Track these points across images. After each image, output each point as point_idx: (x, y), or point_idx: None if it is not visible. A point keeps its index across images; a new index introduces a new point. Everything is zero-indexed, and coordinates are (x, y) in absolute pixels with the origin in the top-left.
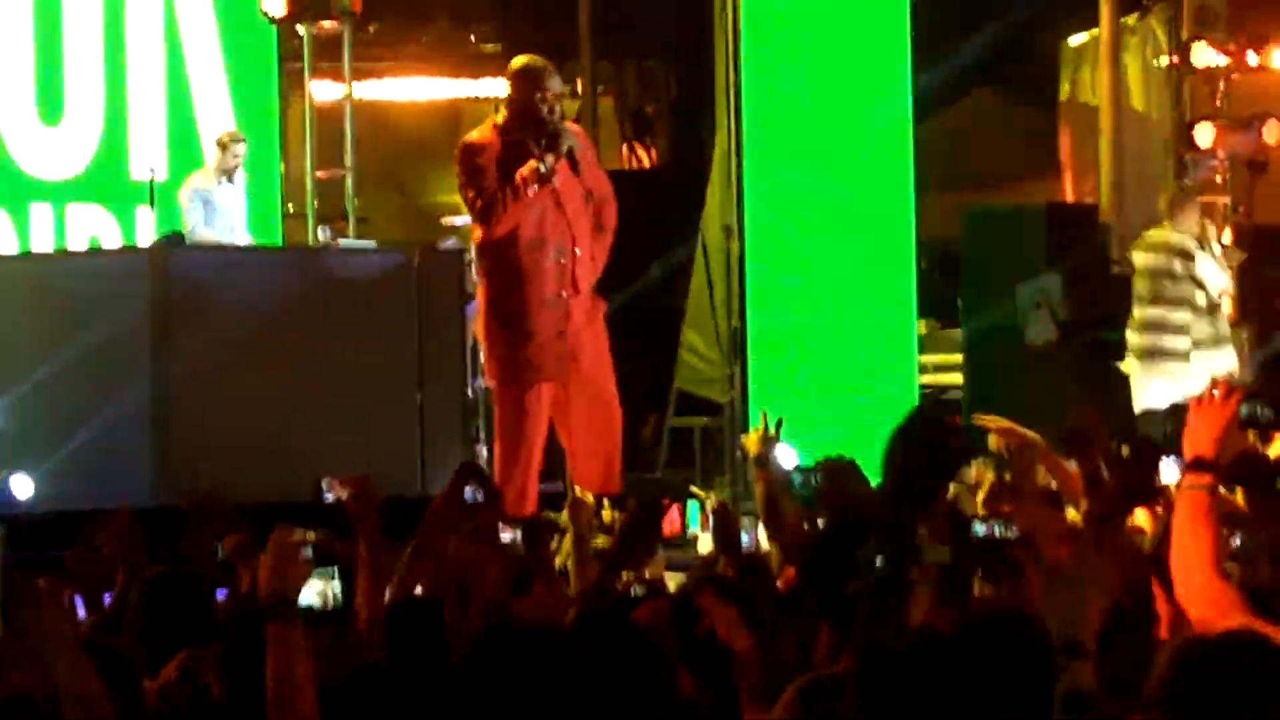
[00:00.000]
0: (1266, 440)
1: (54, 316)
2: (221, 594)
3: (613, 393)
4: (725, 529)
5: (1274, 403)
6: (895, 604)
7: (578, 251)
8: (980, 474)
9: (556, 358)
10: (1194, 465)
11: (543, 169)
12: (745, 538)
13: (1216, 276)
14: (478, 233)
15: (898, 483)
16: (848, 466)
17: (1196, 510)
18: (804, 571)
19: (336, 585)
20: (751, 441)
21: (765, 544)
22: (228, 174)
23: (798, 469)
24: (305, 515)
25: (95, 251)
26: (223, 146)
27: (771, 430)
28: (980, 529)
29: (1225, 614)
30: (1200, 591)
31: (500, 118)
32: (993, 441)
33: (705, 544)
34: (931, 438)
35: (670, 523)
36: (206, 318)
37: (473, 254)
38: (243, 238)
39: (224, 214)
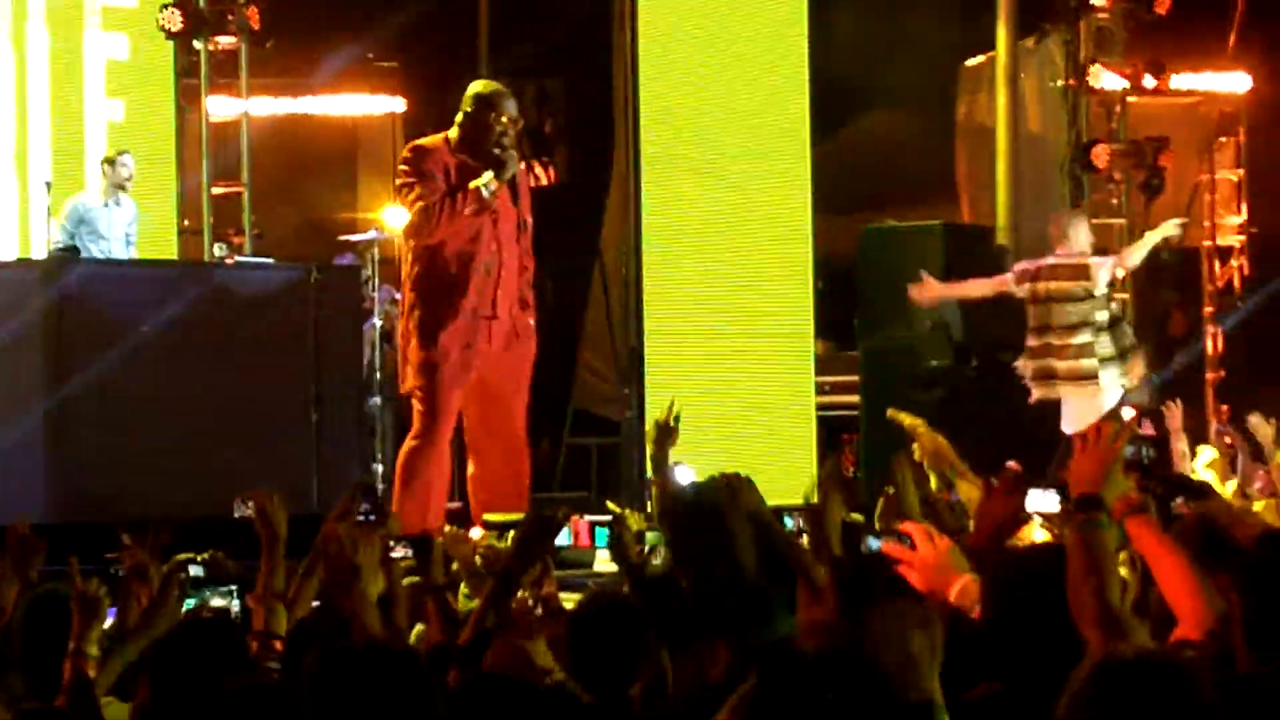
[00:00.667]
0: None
1: None
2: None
3: (522, 425)
4: (620, 545)
5: (1158, 444)
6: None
7: (502, 274)
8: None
9: (461, 369)
10: (1081, 503)
11: (485, 194)
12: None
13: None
14: (410, 239)
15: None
16: (745, 484)
17: (1089, 544)
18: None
19: (236, 603)
20: (650, 433)
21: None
22: (120, 188)
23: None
24: (200, 532)
25: None
26: (110, 163)
27: (671, 421)
28: (874, 543)
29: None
30: (1096, 622)
31: (453, 134)
32: (916, 452)
33: (604, 562)
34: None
35: (578, 538)
36: (102, 332)
37: (402, 257)
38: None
39: (103, 235)
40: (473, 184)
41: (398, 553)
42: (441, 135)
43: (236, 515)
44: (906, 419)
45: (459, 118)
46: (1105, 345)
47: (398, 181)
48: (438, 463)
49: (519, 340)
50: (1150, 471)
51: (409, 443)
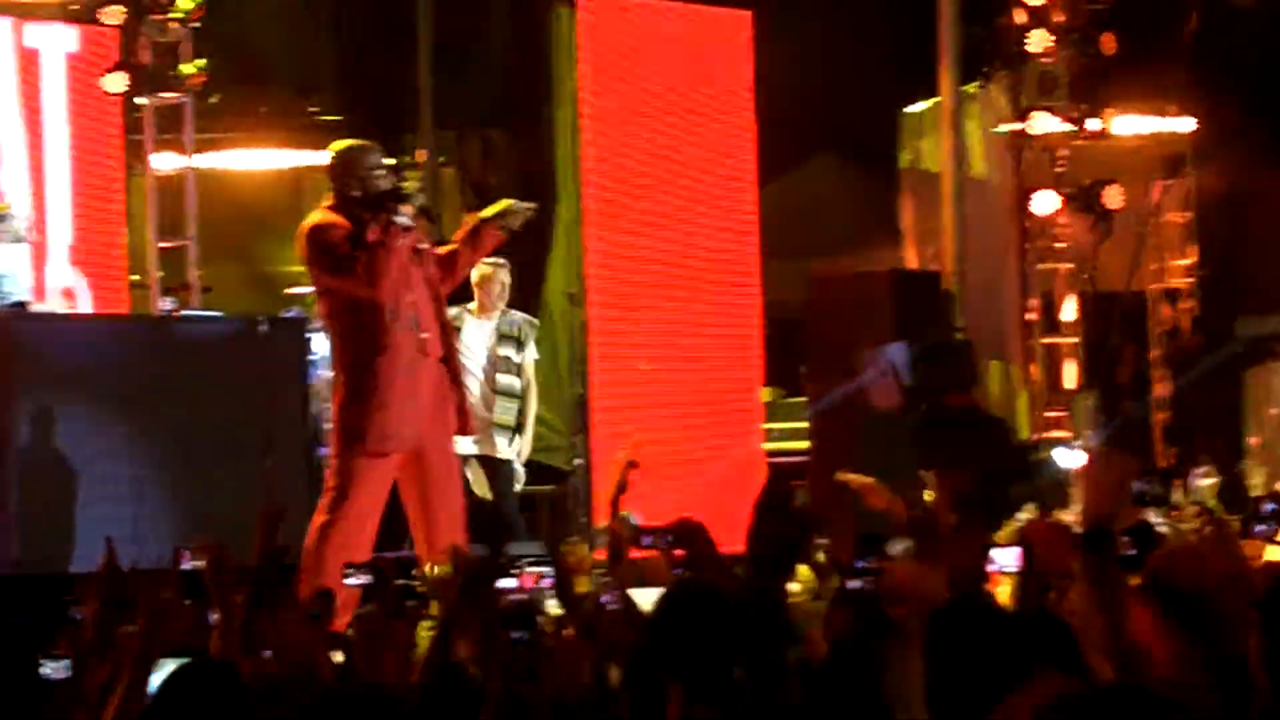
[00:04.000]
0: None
1: None
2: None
3: (457, 463)
4: (564, 584)
5: (1163, 479)
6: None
7: (415, 319)
8: None
9: (411, 425)
10: (1091, 538)
11: (400, 224)
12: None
13: None
14: (322, 306)
15: (762, 554)
16: (697, 528)
17: (1101, 577)
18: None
19: None
20: (612, 479)
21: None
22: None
23: (648, 530)
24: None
25: None
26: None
27: (624, 475)
28: (855, 582)
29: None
30: (1110, 654)
31: (329, 202)
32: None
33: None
34: (787, 509)
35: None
36: (51, 385)
37: (322, 325)
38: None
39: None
40: (378, 221)
41: (354, 580)
42: (321, 208)
43: (187, 567)
44: (854, 479)
45: (329, 187)
46: None
47: (307, 267)
48: (344, 542)
49: (443, 379)
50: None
51: (317, 517)
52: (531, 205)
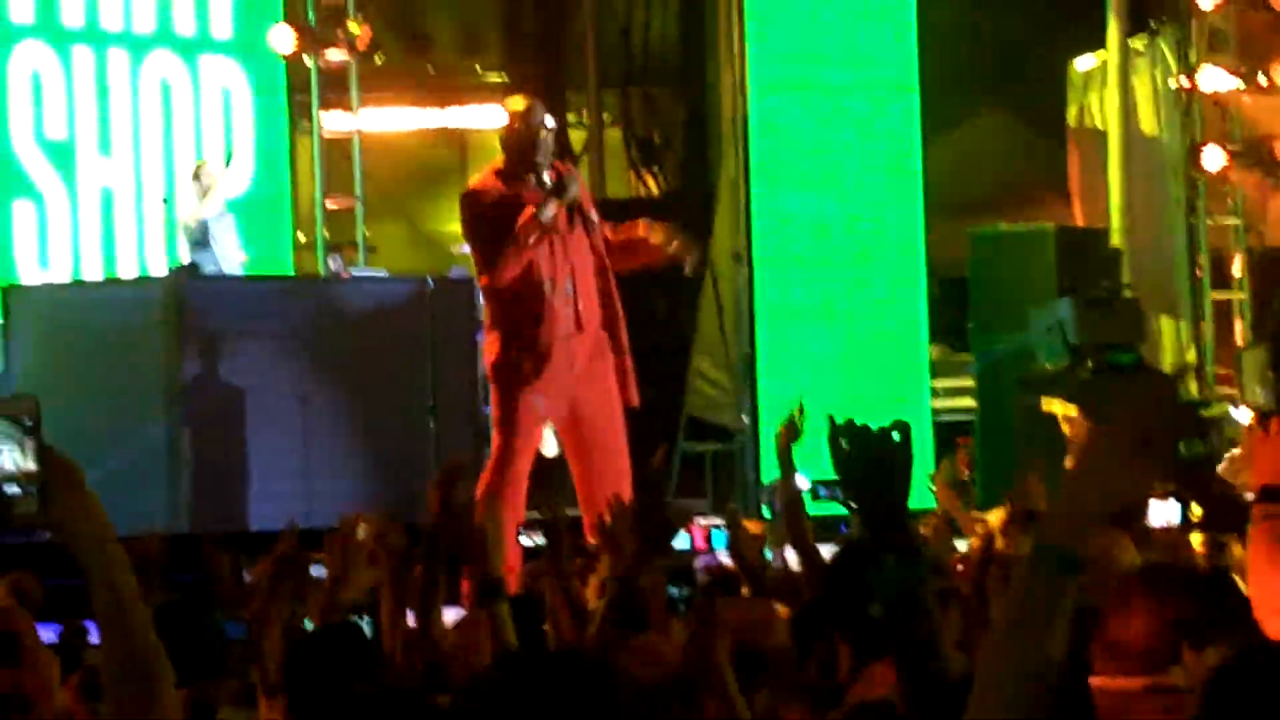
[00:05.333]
0: None
1: (71, 346)
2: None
3: (619, 440)
4: (739, 548)
5: None
6: (924, 626)
7: (579, 289)
8: None
9: (563, 393)
10: (1263, 495)
11: (544, 219)
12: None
13: None
14: (483, 279)
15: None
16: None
17: (1273, 539)
18: (822, 592)
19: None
20: (777, 435)
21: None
22: (204, 195)
23: (821, 482)
24: (320, 544)
25: (111, 281)
26: (195, 175)
27: (798, 421)
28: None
29: None
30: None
31: (499, 160)
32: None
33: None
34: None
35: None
36: (221, 347)
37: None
38: (235, 268)
39: (216, 244)
40: (525, 215)
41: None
42: (490, 168)
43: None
44: (1059, 406)
45: (501, 142)
46: None
47: (462, 230)
48: (511, 498)
49: (600, 349)
50: None
51: (485, 475)
52: (699, 260)
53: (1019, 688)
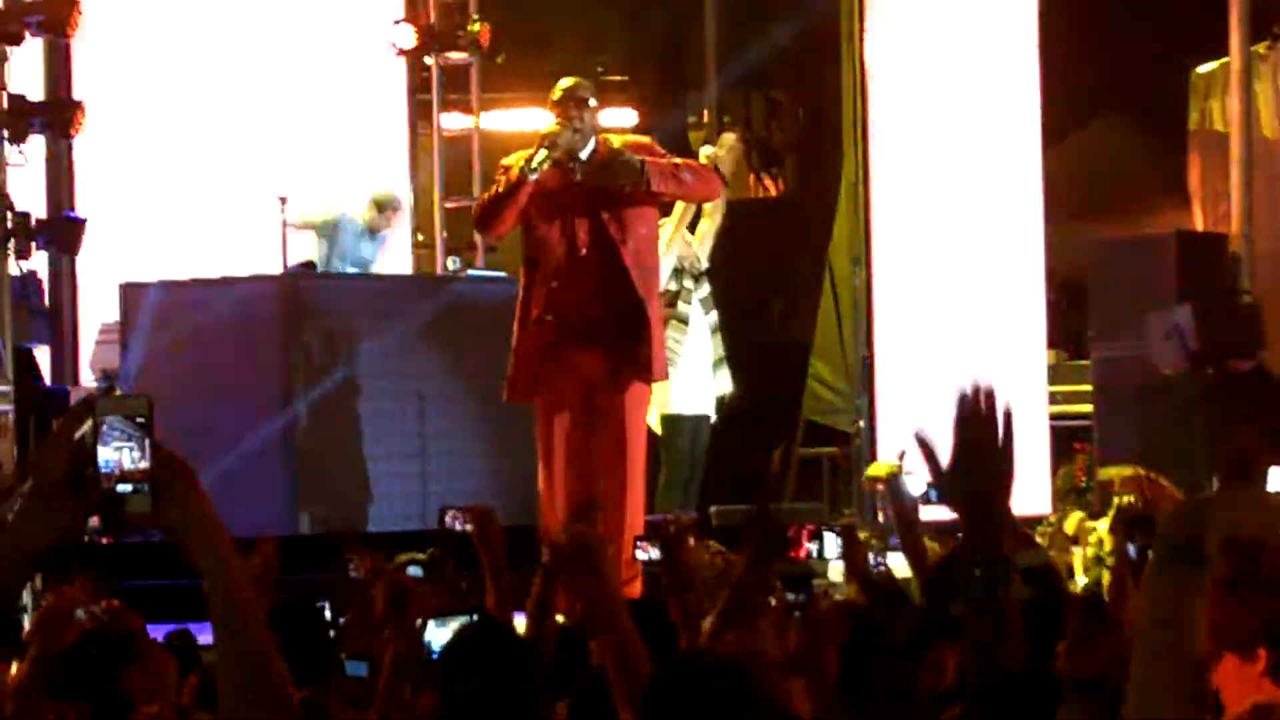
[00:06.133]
0: None
1: (188, 344)
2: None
3: (632, 409)
4: (853, 555)
5: None
6: (995, 628)
7: (580, 279)
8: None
9: (529, 379)
10: None
11: (529, 166)
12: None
13: None
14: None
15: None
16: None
17: None
18: (924, 594)
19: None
20: (880, 470)
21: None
22: (372, 233)
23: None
24: (426, 544)
25: (228, 279)
26: (379, 208)
27: (899, 465)
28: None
29: None
30: None
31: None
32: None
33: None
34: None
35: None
36: (339, 346)
37: None
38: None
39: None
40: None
41: (643, 554)
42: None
43: (456, 528)
44: (1114, 471)
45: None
46: None
47: None
48: (555, 500)
49: (623, 343)
50: None
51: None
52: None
53: (1165, 686)
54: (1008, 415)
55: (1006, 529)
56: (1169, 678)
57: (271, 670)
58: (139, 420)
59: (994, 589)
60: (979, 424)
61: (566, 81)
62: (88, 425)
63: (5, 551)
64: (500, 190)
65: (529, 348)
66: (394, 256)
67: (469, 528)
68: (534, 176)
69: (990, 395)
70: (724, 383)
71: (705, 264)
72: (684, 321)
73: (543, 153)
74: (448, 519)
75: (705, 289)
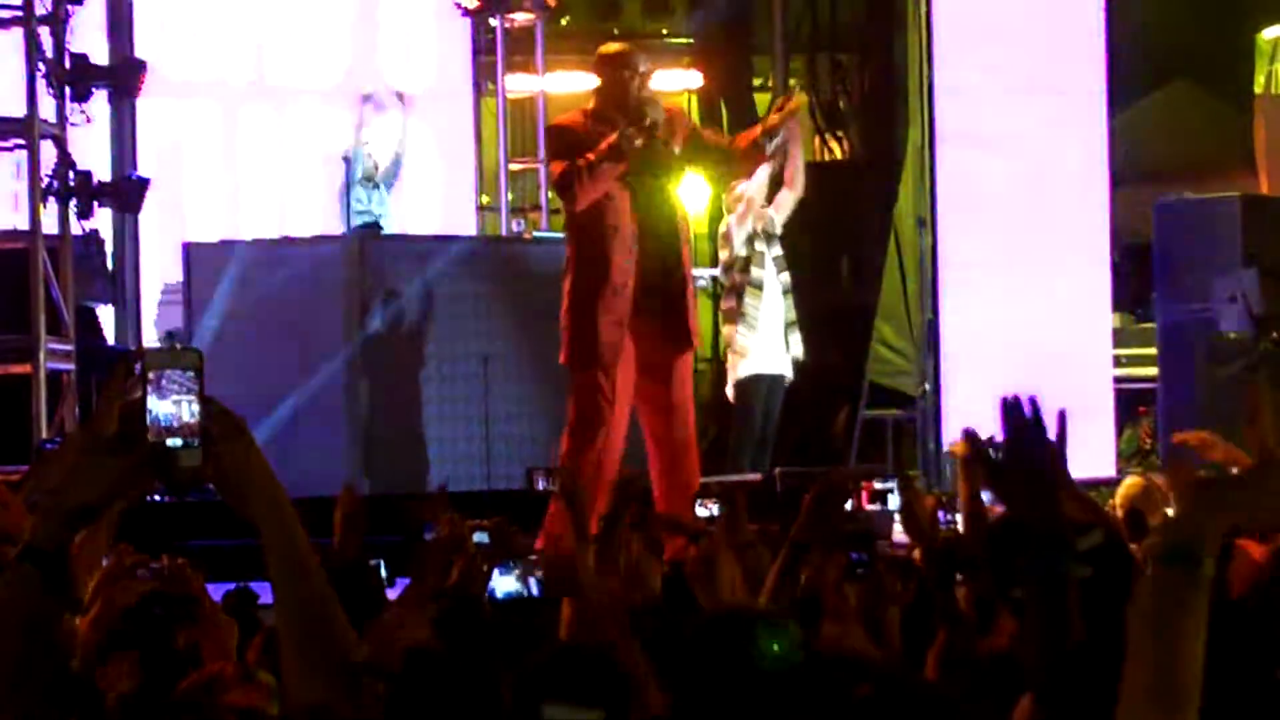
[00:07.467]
0: None
1: (253, 303)
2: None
3: (679, 378)
4: (913, 512)
5: None
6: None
7: (646, 245)
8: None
9: (613, 347)
10: None
11: (624, 144)
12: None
13: None
14: (565, 207)
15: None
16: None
17: None
18: (986, 558)
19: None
20: (960, 448)
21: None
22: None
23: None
24: (497, 505)
25: (292, 239)
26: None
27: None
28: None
29: None
30: None
31: (591, 104)
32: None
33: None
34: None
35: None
36: (402, 307)
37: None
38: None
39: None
40: (604, 141)
41: (703, 510)
42: (580, 110)
43: (540, 488)
44: (1191, 437)
45: (595, 87)
46: None
47: (548, 160)
48: (595, 458)
49: (675, 314)
50: None
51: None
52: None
53: (1161, 690)
54: (1061, 419)
55: (1064, 523)
56: (1165, 680)
57: (334, 624)
58: (190, 374)
59: (1052, 575)
60: (1028, 438)
61: (622, 47)
62: (139, 380)
63: (54, 508)
64: (596, 160)
65: (611, 320)
66: (458, 218)
67: (555, 488)
68: (628, 145)
69: (1035, 404)
70: (796, 345)
71: (779, 230)
72: (758, 287)
73: (654, 124)
74: (537, 480)
75: (777, 249)
